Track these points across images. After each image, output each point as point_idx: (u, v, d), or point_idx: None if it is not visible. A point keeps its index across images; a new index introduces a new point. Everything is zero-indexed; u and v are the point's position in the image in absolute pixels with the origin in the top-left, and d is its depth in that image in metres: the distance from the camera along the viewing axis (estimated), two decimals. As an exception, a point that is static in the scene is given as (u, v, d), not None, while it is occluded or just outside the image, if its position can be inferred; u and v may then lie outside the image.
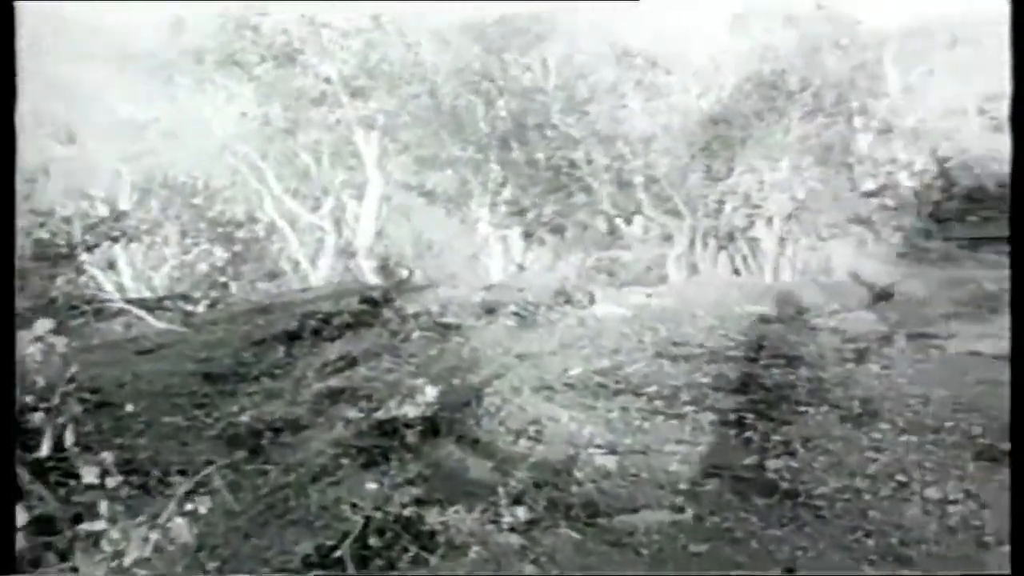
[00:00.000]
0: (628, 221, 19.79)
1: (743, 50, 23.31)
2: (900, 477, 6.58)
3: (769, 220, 17.25)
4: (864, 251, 18.03)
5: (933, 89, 24.80)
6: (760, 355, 10.60)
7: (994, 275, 16.03)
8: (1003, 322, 11.90)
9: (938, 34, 25.11)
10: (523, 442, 7.53)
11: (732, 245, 17.59)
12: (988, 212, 22.05)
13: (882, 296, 14.95)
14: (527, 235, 20.51)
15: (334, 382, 9.07)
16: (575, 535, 5.78)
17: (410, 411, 7.70)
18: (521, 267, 19.70)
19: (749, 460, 7.08)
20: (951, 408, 8.16)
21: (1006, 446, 6.94)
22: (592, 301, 13.60)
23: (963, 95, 25.59)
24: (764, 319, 12.91)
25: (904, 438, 7.40)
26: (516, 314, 12.42)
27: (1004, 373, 9.25)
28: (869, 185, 21.84)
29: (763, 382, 9.30)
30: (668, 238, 17.98)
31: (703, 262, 17.46)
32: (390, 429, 7.48)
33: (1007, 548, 5.35)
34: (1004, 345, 10.43)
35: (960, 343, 10.83)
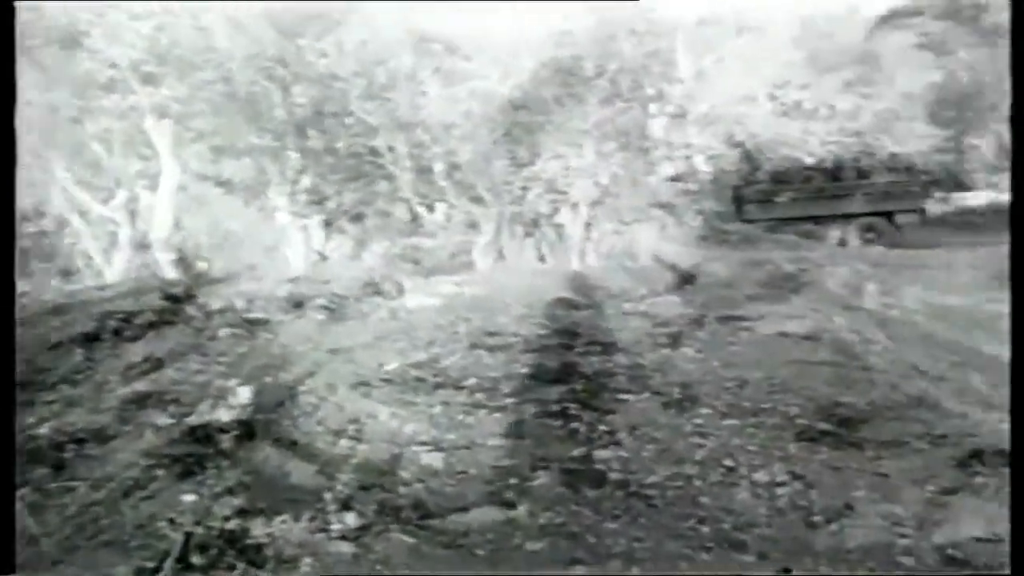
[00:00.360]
0: (430, 208, 19.70)
1: (541, 36, 23.62)
2: (727, 462, 6.60)
3: (574, 206, 17.47)
4: (666, 235, 18.52)
5: (724, 76, 25.85)
6: (576, 343, 10.60)
7: (791, 256, 16.83)
8: (804, 302, 12.63)
9: (727, 23, 26.23)
10: (344, 442, 7.25)
11: (537, 231, 17.76)
12: (793, 194, 23.22)
13: (686, 279, 15.35)
14: (327, 224, 20.12)
15: (140, 386, 8.48)
16: (408, 539, 5.54)
17: (224, 415, 7.35)
18: (323, 256, 19.30)
19: (576, 451, 6.98)
20: (767, 390, 8.30)
21: (824, 425, 7.21)
22: (401, 292, 13.45)
23: (752, 82, 26.80)
24: (575, 305, 13.01)
25: (727, 422, 7.46)
26: (325, 307, 12.14)
27: (814, 353, 9.69)
28: (668, 170, 22.58)
29: (583, 370, 9.24)
30: (473, 225, 17.97)
31: (509, 249, 17.52)
32: (204, 435, 7.04)
33: (835, 527, 5.50)
34: (809, 324, 10.98)
35: (768, 325, 11.06)
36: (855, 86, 26.95)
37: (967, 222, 23.49)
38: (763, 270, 15.46)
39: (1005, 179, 30.68)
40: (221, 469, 6.46)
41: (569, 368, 9.38)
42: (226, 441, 6.94)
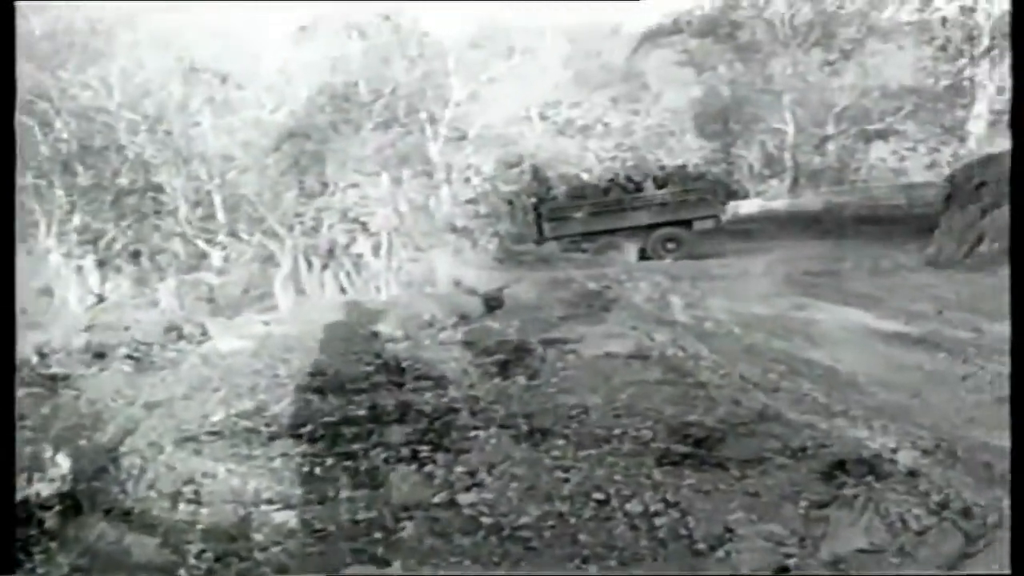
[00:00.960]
0: (215, 244, 19.34)
1: (313, 62, 23.62)
2: (597, 495, 6.56)
3: (371, 234, 17.56)
4: (463, 259, 18.85)
5: (498, 97, 26.68)
6: (404, 378, 10.44)
7: (590, 273, 17.44)
8: (618, 320, 13.12)
9: (498, 45, 27.04)
10: (183, 507, 6.85)
11: (334, 263, 17.70)
12: (592, 208, 24.08)
13: (493, 304, 15.43)
14: (102, 264, 19.33)
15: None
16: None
17: (43, 488, 6.62)
18: (101, 298, 18.52)
19: (438, 497, 6.81)
20: (612, 415, 8.34)
21: (682, 448, 7.30)
22: (205, 334, 13.15)
23: (525, 101, 27.77)
24: (391, 338, 12.86)
25: (584, 453, 7.42)
26: (129, 356, 11.58)
27: (646, 372, 9.81)
28: (457, 193, 23.05)
29: (421, 408, 9.08)
30: (268, 259, 17.73)
31: (309, 282, 17.37)
32: (24, 515, 6.27)
33: (721, 552, 5.58)
34: (631, 343, 11.39)
35: (591, 346, 11.19)
36: (624, 103, 28.52)
37: (743, 230, 25.01)
38: (568, 289, 15.75)
39: (772, 186, 33.24)
40: (51, 554, 6.01)
41: (406, 407, 9.18)
42: (50, 519, 6.37)
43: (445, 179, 23.90)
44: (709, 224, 24.16)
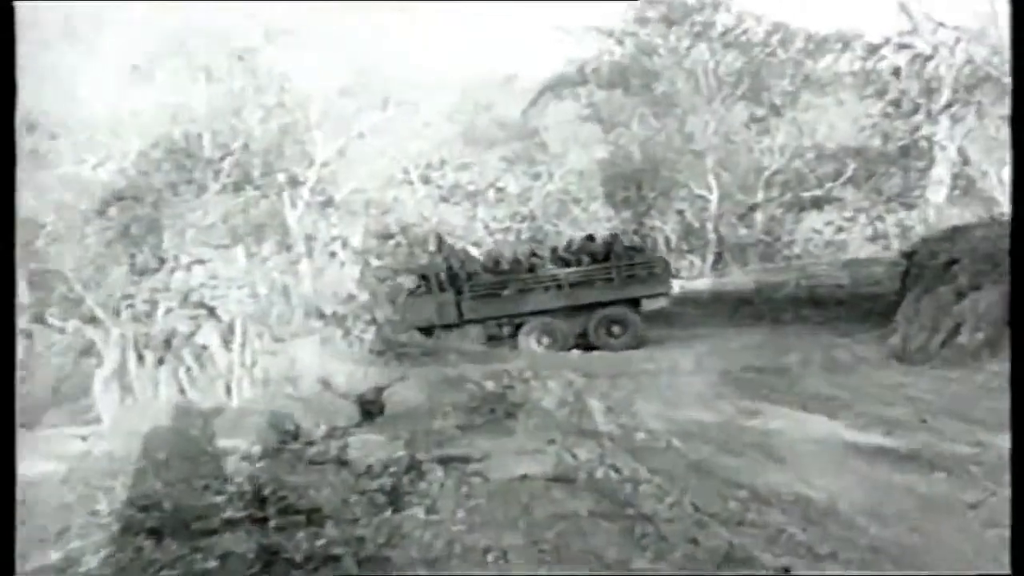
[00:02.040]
0: (22, 333, 17.37)
1: (148, 108, 22.01)
2: None
3: (219, 321, 15.97)
4: (333, 351, 17.40)
5: (369, 154, 25.42)
6: (268, 511, 9.25)
7: (487, 370, 16.27)
8: (528, 431, 12.06)
9: (372, 93, 25.89)
10: None
11: (173, 357, 15.99)
12: (521, 286, 22.83)
13: (371, 409, 14.54)
14: None
15: None
16: None
17: None
18: None
19: None
20: (541, 560, 7.56)
21: None
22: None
23: (402, 161, 26.56)
24: (247, 455, 11.69)
25: None
26: None
27: (574, 502, 8.91)
28: (307, 267, 21.58)
29: (290, 556, 7.96)
30: (86, 352, 15.94)
31: (139, 381, 15.62)
32: None
33: None
34: (550, 462, 10.37)
35: (500, 466, 10.34)
36: (520, 164, 27.48)
37: (661, 314, 24.10)
38: (463, 390, 14.91)
39: (692, 263, 32.63)
40: None
41: (271, 554, 8.02)
42: None
43: (306, 253, 22.41)
44: (660, 303, 23.29)
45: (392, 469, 10.61)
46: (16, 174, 5.28)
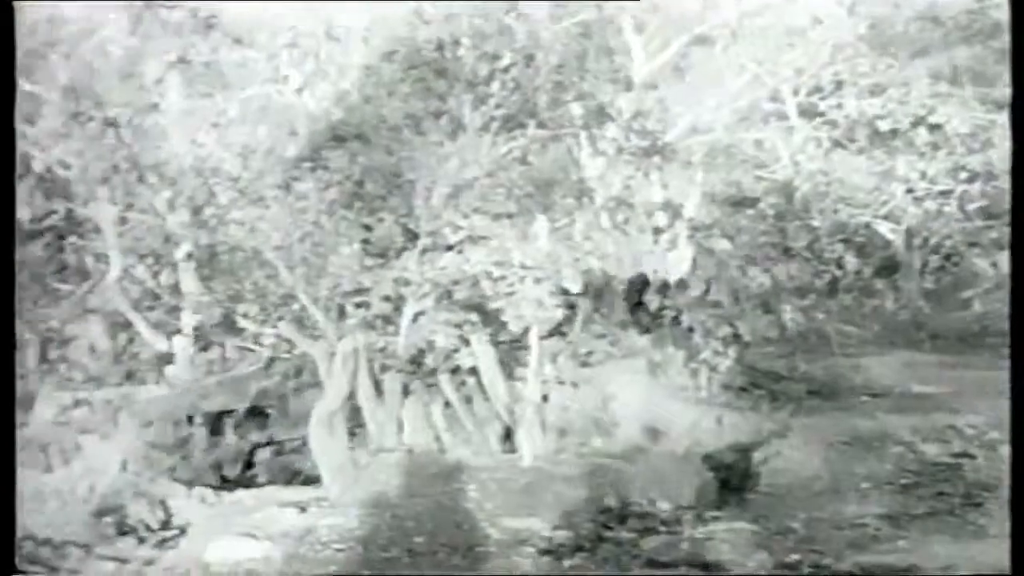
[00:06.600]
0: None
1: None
2: None
3: (502, 331, 12.36)
4: (667, 385, 13.63)
5: (714, 72, 19.25)
6: None
7: (922, 424, 12.89)
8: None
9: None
10: None
11: (425, 384, 12.38)
12: None
13: (735, 480, 11.57)
14: None
15: None
16: None
17: None
18: None
19: None
20: None
21: None
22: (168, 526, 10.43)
23: (768, 81, 20.16)
24: (549, 547, 9.59)
25: None
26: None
27: None
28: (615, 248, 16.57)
29: None
30: (296, 374, 12.78)
31: (375, 422, 12.23)
32: None
33: None
34: None
35: None
36: (968, 83, 20.58)
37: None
38: (886, 457, 12.05)
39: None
40: None
41: None
42: None
43: (612, 224, 16.98)
44: None
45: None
46: (16, 174, 3.12)
